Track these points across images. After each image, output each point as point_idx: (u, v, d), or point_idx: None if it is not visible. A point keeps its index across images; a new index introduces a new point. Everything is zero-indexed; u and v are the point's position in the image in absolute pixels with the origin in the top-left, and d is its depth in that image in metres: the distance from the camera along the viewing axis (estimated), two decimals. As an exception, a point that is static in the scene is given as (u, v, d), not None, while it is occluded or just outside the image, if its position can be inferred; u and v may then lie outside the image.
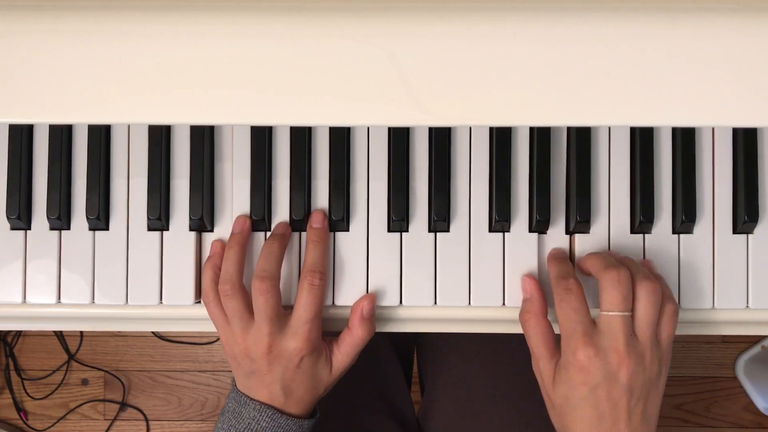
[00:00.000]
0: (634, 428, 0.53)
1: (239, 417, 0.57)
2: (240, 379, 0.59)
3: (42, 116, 0.52)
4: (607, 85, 0.51)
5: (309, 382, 0.58)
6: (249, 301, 0.57)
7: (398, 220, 0.59)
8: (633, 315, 0.53)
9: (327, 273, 0.58)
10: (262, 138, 0.60)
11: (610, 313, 0.53)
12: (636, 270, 0.55)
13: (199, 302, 0.61)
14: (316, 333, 0.57)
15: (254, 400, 0.58)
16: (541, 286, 0.58)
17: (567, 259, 0.59)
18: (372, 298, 0.59)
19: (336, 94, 0.52)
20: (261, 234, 0.60)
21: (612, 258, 0.56)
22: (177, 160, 0.60)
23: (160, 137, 0.60)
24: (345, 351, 0.59)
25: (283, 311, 0.57)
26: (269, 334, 0.56)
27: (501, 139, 0.60)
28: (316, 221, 0.59)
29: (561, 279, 0.55)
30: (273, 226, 0.60)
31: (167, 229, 0.60)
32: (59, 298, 0.60)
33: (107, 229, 0.60)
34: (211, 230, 0.61)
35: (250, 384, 0.58)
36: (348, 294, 0.60)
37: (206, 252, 0.60)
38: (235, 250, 0.58)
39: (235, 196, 0.60)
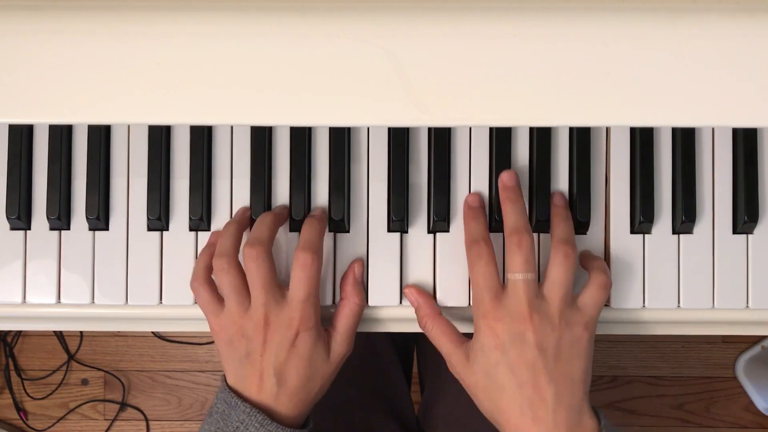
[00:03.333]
0: (557, 392, 0.53)
1: (227, 419, 0.55)
2: (233, 368, 0.56)
3: (42, 116, 0.52)
4: (607, 85, 0.52)
5: (305, 368, 0.55)
6: (245, 279, 0.56)
7: (398, 220, 0.59)
8: (545, 277, 0.55)
9: (321, 253, 0.57)
10: (262, 138, 0.60)
11: (514, 275, 0.54)
12: (560, 231, 0.57)
13: (199, 302, 0.61)
14: (313, 312, 0.56)
15: (245, 401, 0.55)
16: (421, 289, 0.59)
17: (482, 212, 0.59)
18: (361, 262, 0.59)
19: (336, 94, 0.52)
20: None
21: (523, 218, 0.56)
22: (177, 160, 0.60)
23: (160, 137, 0.60)
24: (342, 326, 0.57)
25: (280, 285, 0.56)
26: (264, 304, 0.55)
27: (501, 139, 0.60)
28: (315, 211, 0.59)
29: (472, 244, 0.56)
30: (273, 226, 0.60)
31: (167, 229, 0.60)
32: (59, 298, 0.60)
33: (107, 229, 0.60)
34: (210, 230, 0.61)
35: (243, 372, 0.56)
36: (348, 294, 0.60)
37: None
38: (233, 228, 0.57)
39: (234, 196, 0.60)
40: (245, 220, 0.59)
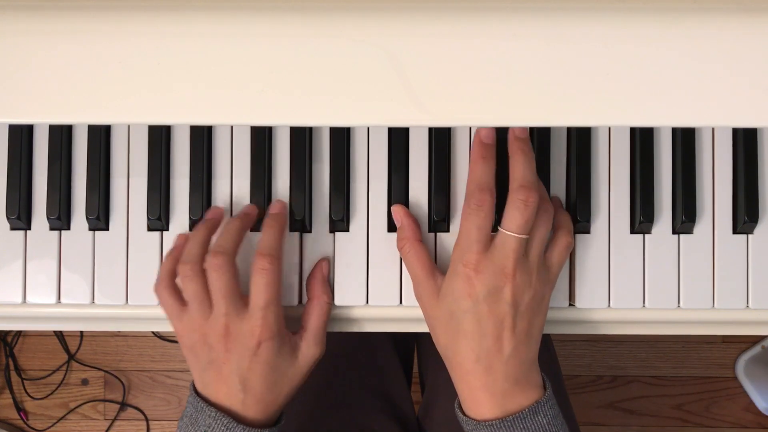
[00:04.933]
0: (516, 346, 0.53)
1: (195, 423, 0.55)
2: (197, 374, 0.56)
3: (42, 116, 0.52)
4: (607, 85, 0.52)
5: (269, 374, 0.55)
6: (208, 286, 0.55)
7: (398, 220, 0.59)
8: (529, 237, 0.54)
9: (280, 257, 0.56)
10: (262, 138, 0.60)
11: (508, 233, 0.53)
12: (542, 195, 0.56)
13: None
14: (275, 319, 0.54)
15: (211, 405, 0.55)
16: (409, 212, 0.58)
17: (492, 155, 0.56)
18: (328, 261, 0.59)
19: (336, 94, 0.52)
20: (260, 234, 0.60)
21: (534, 175, 0.54)
22: (177, 160, 0.60)
23: (160, 137, 0.60)
24: (313, 325, 0.57)
25: (242, 295, 0.56)
26: (225, 314, 0.54)
27: (500, 139, 0.60)
28: (274, 207, 0.59)
29: (477, 191, 0.54)
30: (273, 226, 0.60)
31: (167, 229, 0.60)
32: (59, 298, 0.60)
33: (107, 229, 0.60)
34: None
35: (208, 378, 0.55)
36: (348, 294, 0.60)
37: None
38: (201, 233, 0.57)
39: (234, 196, 0.60)
40: (217, 221, 0.59)
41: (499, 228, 0.54)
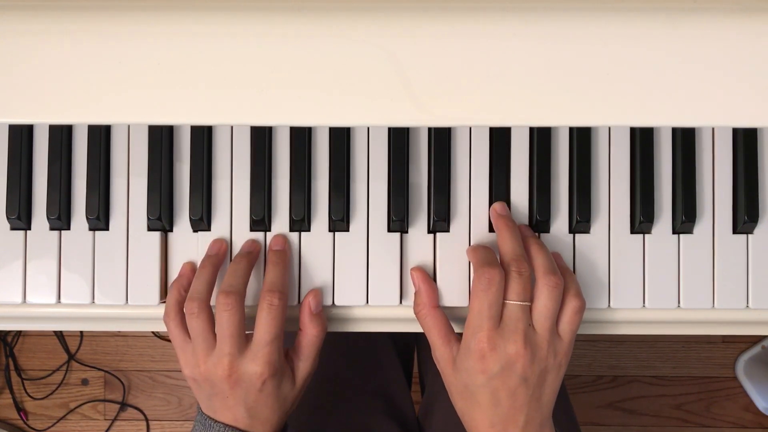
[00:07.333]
0: (529, 413, 0.55)
1: None
2: (203, 400, 0.58)
3: (42, 116, 0.52)
4: (607, 85, 0.52)
5: (274, 402, 0.57)
6: (213, 324, 0.56)
7: (398, 220, 0.59)
8: (533, 306, 0.55)
9: (287, 293, 0.57)
10: (262, 138, 0.60)
11: (511, 302, 0.54)
12: (542, 262, 0.56)
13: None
14: (278, 355, 0.56)
15: (219, 422, 0.56)
16: (428, 277, 0.59)
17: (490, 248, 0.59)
18: (317, 292, 0.59)
19: (336, 94, 0.52)
20: (260, 234, 0.60)
21: (521, 247, 0.56)
22: (177, 160, 0.60)
23: (160, 137, 0.60)
24: (305, 355, 0.58)
25: (245, 334, 0.56)
26: (230, 354, 0.55)
27: (500, 139, 0.60)
28: (276, 244, 0.59)
29: (486, 266, 0.55)
30: (272, 226, 0.60)
31: (167, 229, 0.60)
32: (59, 298, 0.60)
33: (107, 229, 0.60)
34: (210, 230, 0.61)
35: (214, 405, 0.57)
36: (348, 294, 0.60)
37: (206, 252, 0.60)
38: (208, 270, 0.57)
39: (234, 196, 0.60)
40: (221, 256, 0.59)
41: (504, 300, 0.55)
